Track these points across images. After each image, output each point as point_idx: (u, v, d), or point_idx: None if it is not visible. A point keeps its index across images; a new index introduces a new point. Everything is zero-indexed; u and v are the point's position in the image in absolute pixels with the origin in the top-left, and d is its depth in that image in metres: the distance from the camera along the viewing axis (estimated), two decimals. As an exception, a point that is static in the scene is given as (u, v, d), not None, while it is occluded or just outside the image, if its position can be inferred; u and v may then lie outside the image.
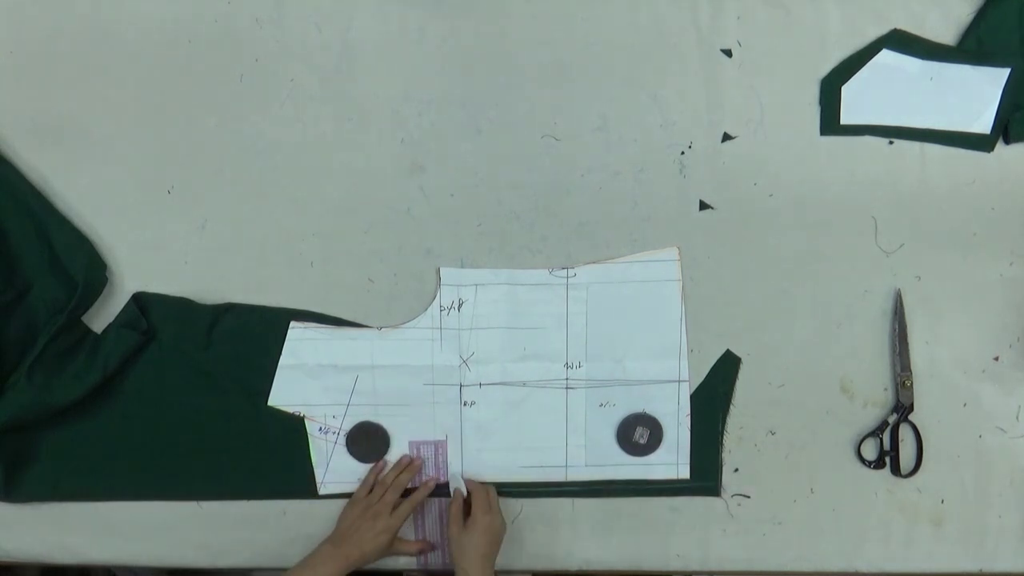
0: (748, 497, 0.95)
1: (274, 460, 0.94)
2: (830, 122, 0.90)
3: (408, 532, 0.94)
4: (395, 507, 0.89)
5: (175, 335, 0.92)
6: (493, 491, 0.91)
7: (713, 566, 0.96)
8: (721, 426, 0.94)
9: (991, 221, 0.92)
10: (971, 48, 0.88)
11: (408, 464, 0.93)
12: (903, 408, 0.93)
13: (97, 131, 0.91)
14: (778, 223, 0.92)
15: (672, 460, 0.94)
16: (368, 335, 0.93)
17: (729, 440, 0.94)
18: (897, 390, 0.93)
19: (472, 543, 0.85)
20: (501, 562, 0.96)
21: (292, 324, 0.92)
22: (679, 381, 0.93)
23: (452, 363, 0.93)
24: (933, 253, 0.92)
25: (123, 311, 0.91)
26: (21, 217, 0.89)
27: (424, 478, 0.94)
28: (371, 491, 0.91)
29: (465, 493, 0.91)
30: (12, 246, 0.89)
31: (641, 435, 0.94)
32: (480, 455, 0.94)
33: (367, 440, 0.94)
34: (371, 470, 0.93)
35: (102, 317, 0.92)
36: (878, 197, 0.91)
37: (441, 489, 0.94)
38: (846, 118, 0.90)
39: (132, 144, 0.91)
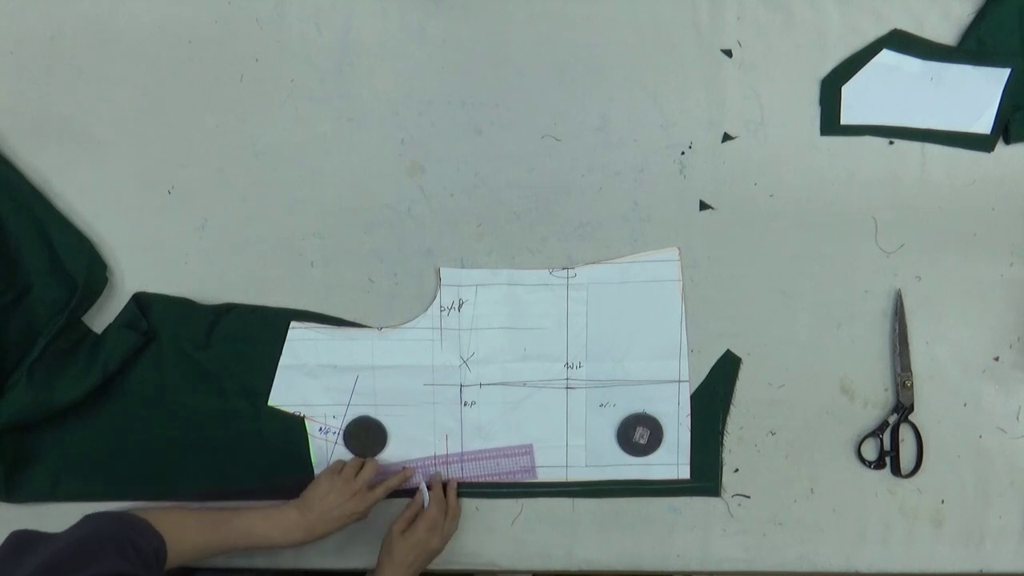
0: (748, 497, 0.95)
1: (274, 460, 0.94)
2: (830, 122, 0.90)
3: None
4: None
5: (175, 335, 0.92)
6: (452, 513, 0.91)
7: (713, 566, 0.96)
8: (721, 426, 0.94)
9: (991, 221, 0.92)
10: (971, 48, 0.88)
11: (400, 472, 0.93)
12: (903, 408, 0.93)
13: (97, 131, 0.91)
14: (778, 223, 0.92)
15: (672, 460, 0.95)
16: (368, 335, 0.93)
17: (729, 440, 0.94)
18: (897, 390, 0.93)
19: (403, 548, 0.85)
20: (502, 562, 0.96)
21: (292, 324, 0.92)
22: (679, 381, 0.93)
23: (452, 363, 0.93)
24: (933, 253, 0.92)
25: (123, 311, 0.91)
26: (21, 217, 0.89)
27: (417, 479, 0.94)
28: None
29: (426, 504, 0.90)
30: (12, 246, 0.89)
31: (641, 435, 0.94)
32: (480, 450, 0.95)
33: (365, 435, 0.94)
34: (360, 460, 0.93)
35: (102, 317, 0.92)
36: (878, 197, 0.91)
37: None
38: (846, 118, 0.90)
39: (132, 144, 0.91)
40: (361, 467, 0.91)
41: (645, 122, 0.91)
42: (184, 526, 0.81)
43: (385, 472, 0.93)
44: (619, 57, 0.90)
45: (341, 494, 0.87)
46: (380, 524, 0.94)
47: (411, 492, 0.94)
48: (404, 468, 0.94)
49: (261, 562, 0.95)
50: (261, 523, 0.85)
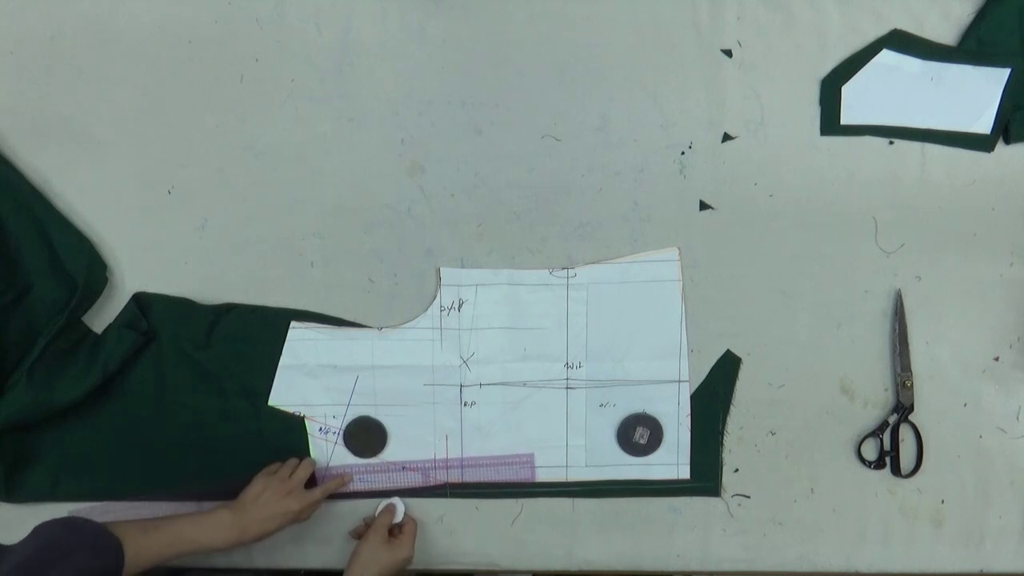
0: (748, 497, 0.95)
1: (274, 460, 0.94)
2: (830, 122, 0.90)
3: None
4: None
5: (175, 335, 0.92)
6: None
7: (713, 566, 0.96)
8: (721, 426, 0.94)
9: (991, 221, 0.92)
10: (971, 48, 0.88)
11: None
12: (903, 408, 0.93)
13: (97, 131, 0.91)
14: (778, 223, 0.92)
15: (672, 460, 0.95)
16: (368, 335, 0.93)
17: (729, 440, 0.94)
18: (897, 390, 0.93)
19: (385, 558, 0.87)
20: (502, 562, 0.96)
21: (292, 324, 0.92)
22: (679, 381, 0.93)
23: (452, 363, 0.93)
24: (933, 253, 0.92)
25: (123, 311, 0.91)
26: (21, 217, 0.89)
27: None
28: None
29: (400, 518, 0.92)
30: (12, 246, 0.89)
31: (641, 435, 0.94)
32: (480, 456, 0.95)
33: (365, 435, 0.94)
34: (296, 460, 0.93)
35: (102, 317, 0.92)
36: (878, 197, 0.91)
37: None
38: (846, 118, 0.90)
39: (132, 144, 0.91)
40: (298, 467, 0.91)
41: (645, 122, 0.91)
42: (119, 534, 0.77)
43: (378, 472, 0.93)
44: (619, 57, 0.90)
45: (275, 493, 0.86)
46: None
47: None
48: (342, 474, 0.94)
49: (261, 562, 0.96)
50: (190, 527, 0.83)
